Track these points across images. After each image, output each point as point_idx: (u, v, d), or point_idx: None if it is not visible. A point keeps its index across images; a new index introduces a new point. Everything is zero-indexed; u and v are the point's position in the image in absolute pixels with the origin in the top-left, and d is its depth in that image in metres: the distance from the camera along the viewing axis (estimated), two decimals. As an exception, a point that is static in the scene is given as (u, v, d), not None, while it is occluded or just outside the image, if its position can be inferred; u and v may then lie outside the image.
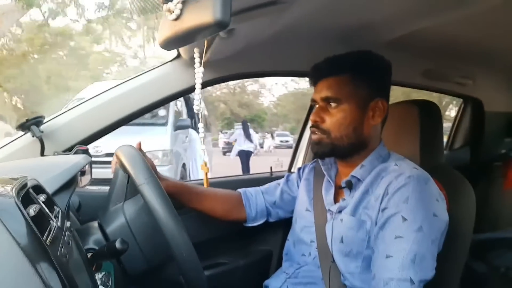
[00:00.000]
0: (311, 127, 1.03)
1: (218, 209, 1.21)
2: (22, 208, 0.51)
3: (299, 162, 1.81)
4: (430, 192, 0.91)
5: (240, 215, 1.23)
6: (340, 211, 1.00)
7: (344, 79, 0.98)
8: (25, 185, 0.60)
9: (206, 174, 1.00)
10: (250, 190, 1.27)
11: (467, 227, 1.12)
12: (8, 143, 1.11)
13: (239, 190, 1.28)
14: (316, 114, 1.01)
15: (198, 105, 0.82)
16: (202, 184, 1.22)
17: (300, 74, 1.57)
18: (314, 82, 1.05)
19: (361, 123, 0.99)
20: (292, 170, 1.84)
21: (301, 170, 1.26)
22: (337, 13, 1.07)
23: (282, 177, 1.32)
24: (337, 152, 1.01)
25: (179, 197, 1.12)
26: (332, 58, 1.01)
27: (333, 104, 0.98)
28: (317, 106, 1.03)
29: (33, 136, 1.08)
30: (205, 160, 1.06)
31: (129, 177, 0.84)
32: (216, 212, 1.21)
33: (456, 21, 1.12)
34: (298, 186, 1.23)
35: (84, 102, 1.21)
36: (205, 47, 0.73)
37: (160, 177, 1.07)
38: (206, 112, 8.18)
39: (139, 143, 1.05)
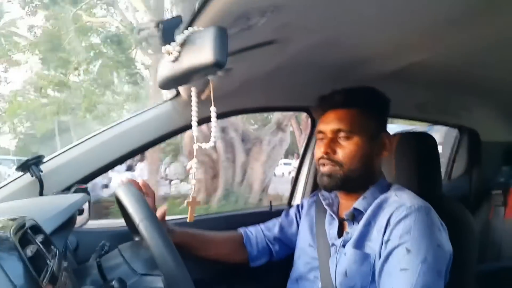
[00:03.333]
0: (320, 159, 1.01)
1: (223, 254, 1.20)
2: (20, 249, 0.50)
3: (298, 194, 1.80)
4: (432, 222, 0.90)
5: (243, 256, 1.21)
6: (344, 245, 0.99)
7: (356, 113, 0.99)
8: (23, 225, 0.60)
9: (192, 209, 0.97)
10: (251, 229, 1.26)
11: (470, 257, 1.11)
12: (8, 183, 1.11)
13: (240, 230, 1.26)
14: (326, 146, 0.99)
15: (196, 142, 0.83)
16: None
17: (297, 109, 1.60)
18: (320, 113, 1.05)
19: (371, 156, 1.00)
20: (291, 203, 1.82)
21: (299, 207, 1.26)
22: (332, 50, 1.10)
23: (282, 211, 1.31)
24: (347, 185, 1.00)
25: (186, 247, 1.11)
26: (342, 91, 1.02)
27: (344, 136, 0.98)
28: (323, 137, 1.02)
29: (32, 176, 1.08)
30: (193, 195, 1.02)
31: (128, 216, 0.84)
32: (220, 257, 1.20)
33: (449, 54, 1.15)
34: (297, 223, 1.22)
35: (84, 140, 1.22)
36: (211, 85, 0.75)
37: (168, 228, 1.09)
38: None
39: (143, 181, 1.03)
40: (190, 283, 0.73)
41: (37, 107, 14.08)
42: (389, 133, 1.04)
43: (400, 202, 0.94)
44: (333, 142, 1.00)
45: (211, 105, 0.75)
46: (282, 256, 1.25)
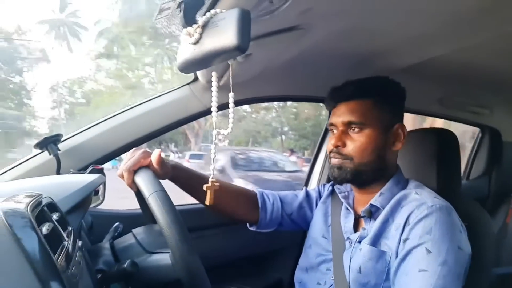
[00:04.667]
0: (330, 152, 1.00)
1: (232, 205, 1.13)
2: (36, 226, 0.51)
3: (312, 184, 1.80)
4: (454, 223, 0.87)
5: (253, 217, 1.15)
6: (360, 241, 0.97)
7: (368, 104, 0.96)
8: (40, 203, 0.60)
9: (211, 192, 0.95)
10: (268, 193, 1.19)
11: (488, 260, 1.08)
12: (25, 160, 1.13)
13: (255, 190, 1.20)
14: (337, 138, 0.98)
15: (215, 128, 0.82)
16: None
17: (315, 100, 1.58)
18: (332, 106, 1.03)
19: (384, 149, 0.97)
20: (307, 186, 1.81)
21: (321, 189, 1.22)
22: (353, 40, 1.07)
23: None
24: (358, 179, 0.98)
25: (188, 181, 1.04)
26: (354, 82, 1.00)
27: (356, 129, 0.96)
28: (335, 130, 1.00)
29: (50, 154, 1.10)
30: (212, 179, 1.00)
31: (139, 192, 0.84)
32: (228, 207, 1.12)
33: (471, 49, 1.11)
34: (316, 205, 1.19)
35: (102, 121, 1.23)
36: (230, 69, 0.74)
37: (171, 165, 1.00)
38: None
39: (144, 150, 0.95)
40: (196, 257, 0.72)
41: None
42: (403, 124, 1.00)
43: (420, 200, 0.91)
44: (344, 135, 0.98)
45: (230, 91, 0.74)
46: (289, 230, 1.22)
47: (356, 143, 0.96)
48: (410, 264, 0.83)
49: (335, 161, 0.99)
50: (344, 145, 0.97)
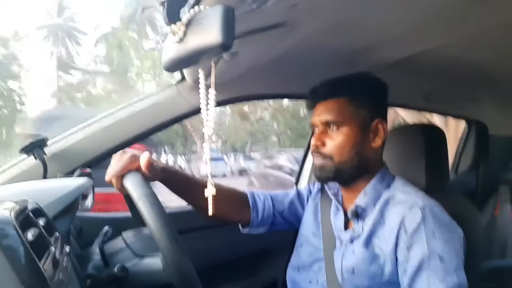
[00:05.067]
0: (312, 151, 1.00)
1: (222, 207, 1.05)
2: (20, 232, 0.50)
3: (303, 182, 1.80)
4: (450, 222, 0.90)
5: (244, 217, 1.14)
6: (352, 241, 0.97)
7: (344, 102, 0.97)
8: (25, 208, 0.59)
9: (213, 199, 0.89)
10: (258, 192, 1.18)
11: (477, 253, 1.09)
12: (11, 166, 1.11)
13: (245, 190, 1.19)
14: (316, 138, 0.98)
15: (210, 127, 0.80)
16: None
17: (305, 97, 1.58)
18: (312, 106, 1.04)
19: (363, 146, 0.97)
20: (298, 185, 1.82)
21: (311, 187, 1.22)
22: (341, 36, 1.08)
23: None
24: (340, 177, 0.99)
25: (178, 183, 1.03)
26: (329, 81, 1.00)
27: (333, 128, 0.97)
28: (316, 129, 1.01)
29: (36, 159, 1.08)
30: (212, 183, 0.97)
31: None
32: (219, 209, 1.04)
33: (458, 43, 1.12)
34: (307, 203, 1.19)
35: (88, 124, 1.21)
36: (213, 67, 0.73)
37: (160, 168, 0.97)
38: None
39: (132, 153, 0.93)
40: (187, 260, 0.72)
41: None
42: (382, 120, 1.00)
43: (409, 201, 0.92)
44: (323, 135, 0.98)
45: (217, 90, 0.73)
46: (282, 229, 1.21)
47: (334, 141, 0.96)
48: (429, 276, 0.83)
49: (316, 161, 0.99)
50: (323, 144, 0.97)
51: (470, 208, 1.16)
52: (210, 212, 0.84)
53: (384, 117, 1.01)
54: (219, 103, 1.32)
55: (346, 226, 1.02)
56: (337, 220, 1.04)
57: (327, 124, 0.98)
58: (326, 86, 1.00)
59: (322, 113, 0.98)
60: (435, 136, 1.20)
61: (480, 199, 2.07)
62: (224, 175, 16.35)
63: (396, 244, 0.89)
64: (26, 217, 0.57)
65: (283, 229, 1.21)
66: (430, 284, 0.83)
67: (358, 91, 0.98)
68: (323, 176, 0.99)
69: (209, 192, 0.86)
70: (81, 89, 24.24)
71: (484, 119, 2.12)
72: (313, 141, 0.99)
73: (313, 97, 1.03)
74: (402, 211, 0.90)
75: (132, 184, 0.81)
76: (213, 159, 0.80)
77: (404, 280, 0.87)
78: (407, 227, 0.88)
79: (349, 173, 0.97)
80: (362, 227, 0.96)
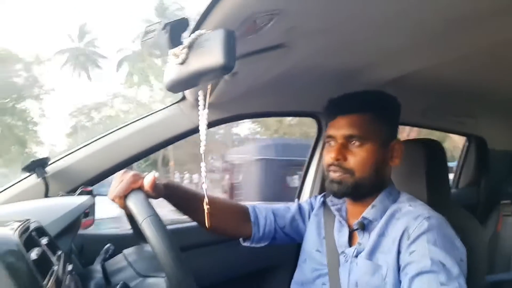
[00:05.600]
0: (330, 165, 0.98)
1: (224, 220, 1.10)
2: (24, 252, 0.50)
3: (304, 196, 1.80)
4: (453, 236, 0.89)
5: (246, 231, 1.13)
6: (356, 256, 0.97)
7: (368, 118, 0.96)
8: (28, 228, 0.60)
9: (208, 213, 0.91)
10: (260, 207, 1.17)
11: (480, 267, 1.09)
12: (13, 184, 1.12)
13: (246, 204, 1.18)
14: (337, 152, 0.96)
15: (203, 146, 0.82)
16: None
17: (303, 114, 1.60)
18: (330, 118, 1.02)
19: (383, 163, 0.97)
20: (299, 198, 1.81)
21: (313, 201, 1.21)
22: (337, 56, 1.10)
23: None
24: (357, 193, 0.98)
25: (180, 199, 1.03)
26: (354, 95, 1.00)
27: (356, 143, 0.95)
28: (333, 143, 0.99)
29: (37, 178, 1.08)
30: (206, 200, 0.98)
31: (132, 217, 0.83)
32: (221, 222, 1.08)
33: (456, 61, 1.14)
34: (309, 218, 1.18)
35: (90, 143, 1.22)
36: (208, 89, 0.75)
37: (162, 185, 0.97)
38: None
39: (136, 173, 0.92)
40: (192, 283, 0.72)
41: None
42: (399, 140, 1.01)
43: (416, 212, 0.92)
44: (344, 148, 0.96)
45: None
46: (283, 243, 1.21)
47: (357, 157, 0.95)
48: (430, 280, 0.82)
49: (335, 175, 0.97)
50: (345, 158, 0.95)
51: (472, 221, 1.16)
52: (207, 224, 0.86)
53: (397, 137, 1.03)
54: (219, 122, 1.34)
55: (350, 243, 1.02)
56: (341, 236, 1.04)
57: (349, 138, 0.96)
58: (351, 100, 0.99)
59: (345, 127, 0.96)
60: (435, 150, 1.21)
61: (482, 213, 2.07)
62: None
63: (399, 252, 0.88)
64: (29, 236, 0.57)
65: (284, 243, 1.21)
66: (430, 286, 0.81)
67: (381, 108, 0.98)
68: (340, 192, 0.97)
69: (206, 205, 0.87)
70: (99, 110, 25.11)
71: (483, 134, 2.14)
72: (332, 154, 0.97)
73: (334, 110, 1.01)
74: (406, 221, 0.91)
75: (135, 205, 0.81)
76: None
77: (404, 281, 0.85)
78: (410, 234, 0.88)
79: (367, 189, 0.97)
80: (367, 240, 0.96)
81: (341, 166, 0.95)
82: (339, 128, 0.97)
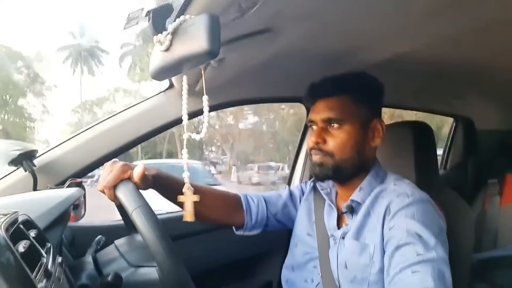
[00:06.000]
0: (311, 149, 1.00)
1: (217, 210, 1.11)
2: (11, 244, 0.50)
3: (295, 182, 1.81)
4: (434, 212, 0.91)
5: (238, 220, 1.14)
6: (343, 237, 0.98)
7: (346, 100, 0.97)
8: (16, 220, 0.59)
9: (191, 205, 0.85)
10: (251, 195, 1.18)
11: (467, 246, 1.11)
12: (0, 178, 1.10)
13: (238, 193, 1.19)
14: (317, 135, 0.98)
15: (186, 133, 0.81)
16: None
17: (292, 100, 1.60)
18: (311, 103, 1.03)
19: (363, 144, 0.98)
20: (290, 185, 1.82)
21: (303, 186, 1.22)
22: (326, 39, 1.09)
23: None
24: (339, 175, 0.99)
25: (170, 189, 1.00)
26: (332, 78, 1.00)
27: (335, 125, 0.97)
28: (315, 127, 1.01)
29: (25, 171, 1.07)
30: (190, 188, 0.89)
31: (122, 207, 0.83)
32: (213, 212, 1.10)
33: (443, 42, 1.14)
34: (300, 203, 1.19)
35: (77, 134, 1.21)
36: (202, 75, 0.74)
37: (151, 175, 0.96)
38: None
39: (124, 163, 0.91)
40: (183, 271, 0.72)
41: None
42: (381, 119, 1.02)
43: (399, 191, 0.94)
44: (324, 132, 0.98)
45: (205, 95, 0.74)
46: (275, 230, 1.21)
47: (336, 139, 0.96)
48: (406, 252, 0.83)
49: (316, 158, 0.99)
50: (324, 141, 0.97)
51: (459, 202, 1.17)
52: (190, 219, 0.84)
53: (380, 116, 1.03)
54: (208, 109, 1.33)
55: (339, 225, 1.03)
56: (331, 219, 1.05)
57: (328, 122, 0.97)
58: (328, 84, 1.00)
59: (324, 110, 0.98)
60: (423, 132, 1.22)
61: (470, 193, 2.10)
62: (273, 183, 16.54)
63: (382, 229, 0.90)
64: (16, 229, 0.57)
65: (277, 230, 1.22)
66: (406, 256, 0.82)
67: (359, 90, 0.98)
68: (322, 174, 0.99)
69: (188, 198, 0.87)
70: (101, 105, 25.32)
71: (471, 115, 2.16)
72: (312, 138, 0.99)
73: (313, 94, 1.02)
74: (389, 199, 0.92)
75: (125, 196, 0.81)
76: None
77: (386, 256, 0.87)
78: (392, 210, 0.90)
79: (349, 171, 0.98)
80: (354, 221, 0.97)
81: (321, 149, 0.97)
82: (319, 112, 0.99)
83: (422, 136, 1.21)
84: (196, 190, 0.98)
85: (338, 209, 1.05)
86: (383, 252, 0.90)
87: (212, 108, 1.35)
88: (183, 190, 0.88)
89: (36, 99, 22.52)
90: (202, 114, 1.33)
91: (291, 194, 1.22)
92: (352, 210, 0.99)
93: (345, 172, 0.98)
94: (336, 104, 0.97)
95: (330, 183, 1.10)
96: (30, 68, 21.56)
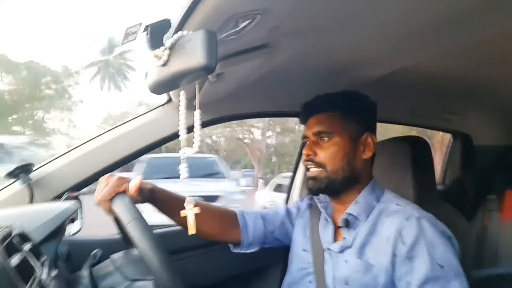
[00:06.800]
0: (305, 161, 1.03)
1: (212, 225, 1.11)
2: (5, 257, 0.49)
3: (294, 198, 1.80)
4: (445, 232, 0.92)
5: (234, 236, 1.14)
6: (342, 251, 0.98)
7: (336, 115, 1.01)
8: (10, 233, 0.59)
9: (193, 218, 0.88)
10: (248, 212, 1.18)
11: (467, 263, 1.10)
12: (-4, 191, 1.10)
13: (234, 210, 1.19)
14: (308, 148, 1.02)
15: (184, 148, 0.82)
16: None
17: (290, 115, 1.60)
18: (304, 119, 1.08)
19: (354, 157, 1.00)
20: (288, 202, 1.82)
21: (300, 203, 1.23)
22: (323, 55, 1.10)
23: None
24: (332, 187, 1.01)
25: (165, 204, 1.02)
26: (322, 96, 1.05)
27: (325, 138, 1.00)
28: (308, 142, 1.05)
29: (22, 184, 1.07)
30: (191, 201, 0.91)
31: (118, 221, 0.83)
32: (209, 227, 1.10)
33: (440, 58, 1.15)
34: (296, 220, 1.19)
35: (75, 148, 1.21)
36: (197, 90, 0.75)
37: (148, 189, 0.97)
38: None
39: (120, 177, 0.92)
40: (179, 284, 0.72)
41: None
42: (372, 133, 1.04)
43: (405, 212, 0.94)
44: (315, 145, 1.02)
45: (204, 111, 0.75)
46: (273, 247, 1.21)
47: (326, 151, 1.00)
48: (432, 285, 0.86)
49: (310, 172, 1.02)
50: (315, 154, 1.01)
51: (458, 217, 1.17)
52: (192, 231, 0.86)
53: (373, 131, 1.05)
54: (206, 123, 1.33)
55: (335, 238, 1.03)
56: (326, 233, 1.05)
57: (319, 135, 1.01)
58: (319, 101, 1.04)
59: (315, 125, 1.02)
60: (420, 147, 1.23)
61: (469, 209, 2.09)
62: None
63: (393, 255, 0.90)
64: (10, 242, 0.56)
65: (275, 247, 1.21)
66: None
67: (349, 106, 1.02)
68: (316, 187, 1.01)
69: (190, 212, 0.87)
70: (124, 119, 27.19)
71: (468, 131, 2.17)
72: (305, 151, 1.03)
73: (306, 112, 1.07)
74: (398, 222, 0.92)
75: (121, 209, 0.81)
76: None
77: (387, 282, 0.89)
78: (405, 238, 0.90)
79: (341, 183, 1.00)
80: (354, 237, 0.97)
81: (313, 161, 1.01)
82: (310, 128, 1.04)
83: (420, 151, 1.22)
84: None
85: (334, 224, 1.05)
86: (391, 276, 0.90)
87: (210, 122, 1.36)
88: (185, 203, 0.89)
89: (62, 114, 23.25)
90: (201, 128, 1.35)
91: (288, 211, 1.22)
92: (348, 224, 0.99)
93: (337, 183, 1.00)
94: (326, 119, 1.02)
95: (327, 198, 1.10)
96: (58, 83, 22.16)
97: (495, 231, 1.92)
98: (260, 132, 20.50)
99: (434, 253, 0.87)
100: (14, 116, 19.76)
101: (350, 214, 0.99)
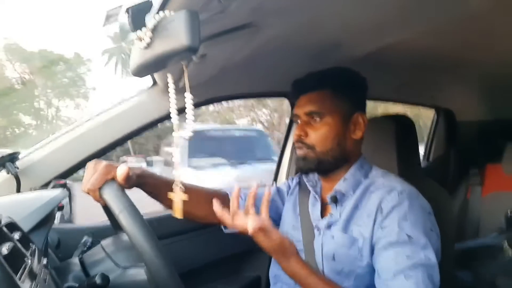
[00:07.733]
0: (295, 142, 1.02)
1: (204, 208, 1.08)
2: None
3: (282, 176, 1.82)
4: (423, 207, 0.93)
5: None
6: (329, 227, 0.99)
7: (326, 94, 1.00)
8: (-2, 223, 0.58)
9: (180, 202, 0.90)
10: (240, 194, 1.19)
11: (449, 236, 1.13)
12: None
13: (225, 189, 1.18)
14: (300, 129, 1.01)
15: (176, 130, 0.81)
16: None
17: (276, 94, 1.60)
18: (295, 98, 1.06)
19: (344, 137, 1.00)
20: (276, 180, 1.83)
21: (289, 182, 1.23)
22: (308, 33, 1.09)
23: None
24: (322, 167, 1.01)
25: (154, 188, 1.01)
26: (313, 74, 1.03)
27: (316, 118, 0.99)
28: (299, 121, 1.03)
29: (8, 173, 1.05)
30: (178, 184, 0.93)
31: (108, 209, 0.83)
32: (200, 210, 1.09)
33: (424, 34, 1.15)
34: (287, 198, 1.20)
35: (61, 135, 1.19)
36: (184, 72, 0.74)
37: (135, 171, 0.97)
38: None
39: (108, 163, 0.91)
40: (171, 271, 0.72)
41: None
42: (363, 113, 1.04)
43: (389, 186, 0.95)
44: (306, 125, 1.01)
45: (187, 91, 0.74)
46: None
47: (317, 132, 0.99)
48: (398, 255, 0.86)
49: (300, 152, 1.01)
50: (306, 134, 1.00)
51: (441, 192, 1.20)
52: (178, 215, 0.87)
53: (363, 110, 1.05)
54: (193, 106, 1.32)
55: (323, 215, 1.04)
56: (315, 210, 1.06)
57: (310, 115, 1.00)
58: (309, 79, 1.03)
59: (306, 105, 1.01)
60: (405, 125, 1.24)
61: (452, 184, 2.14)
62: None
63: (374, 226, 0.92)
64: (-1, 232, 0.56)
65: None
66: (397, 260, 0.86)
67: (340, 84, 1.01)
68: (305, 167, 1.01)
69: (177, 196, 0.88)
70: None
71: (451, 106, 2.20)
72: (296, 132, 1.01)
73: (296, 90, 1.05)
74: (381, 194, 0.94)
75: (111, 197, 0.81)
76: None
77: (375, 255, 0.91)
78: (383, 208, 0.92)
79: (331, 163, 1.00)
80: (340, 213, 0.99)
81: (304, 142, 1.00)
82: (301, 106, 1.02)
83: (404, 129, 1.23)
84: (184, 187, 0.99)
85: (322, 201, 1.06)
86: (372, 247, 0.92)
87: (197, 105, 1.35)
88: (173, 186, 0.89)
89: (74, 101, 23.43)
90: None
91: (278, 190, 1.23)
92: (336, 200, 1.00)
93: (327, 163, 1.00)
94: (317, 98, 1.00)
95: (315, 176, 1.11)
96: (71, 71, 22.02)
97: (476, 204, 1.98)
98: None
99: (404, 225, 0.88)
100: (27, 104, 19.51)
101: (338, 191, 1.00)
